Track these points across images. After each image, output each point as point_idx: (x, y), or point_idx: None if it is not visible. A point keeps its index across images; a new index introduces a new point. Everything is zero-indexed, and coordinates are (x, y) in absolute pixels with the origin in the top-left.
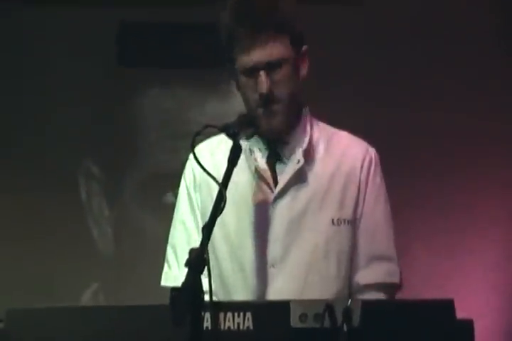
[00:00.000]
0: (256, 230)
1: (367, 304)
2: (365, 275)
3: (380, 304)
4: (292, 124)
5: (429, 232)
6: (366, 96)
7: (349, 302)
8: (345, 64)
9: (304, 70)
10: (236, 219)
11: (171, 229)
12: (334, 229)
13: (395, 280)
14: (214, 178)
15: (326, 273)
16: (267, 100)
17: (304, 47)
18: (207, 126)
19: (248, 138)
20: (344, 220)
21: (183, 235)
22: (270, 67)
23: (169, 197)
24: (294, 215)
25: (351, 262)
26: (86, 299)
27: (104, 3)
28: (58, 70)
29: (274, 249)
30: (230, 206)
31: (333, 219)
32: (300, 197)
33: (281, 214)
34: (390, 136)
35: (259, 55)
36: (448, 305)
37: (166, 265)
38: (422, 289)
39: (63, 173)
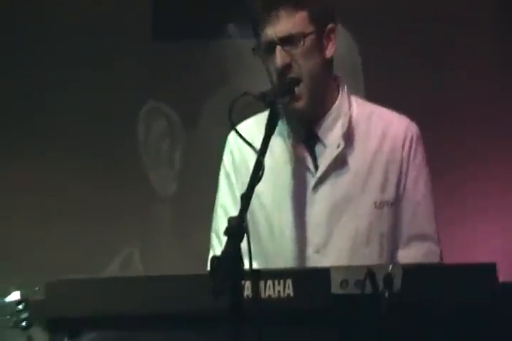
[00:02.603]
0: (295, 216)
1: (408, 269)
2: (404, 255)
3: (421, 269)
4: (327, 105)
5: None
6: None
7: (390, 268)
8: None
9: (330, 49)
10: (277, 206)
11: (213, 214)
12: (377, 213)
13: (435, 259)
14: (252, 146)
15: (368, 258)
16: (283, 74)
17: (330, 26)
18: (244, 94)
19: (285, 106)
20: (387, 202)
21: (225, 219)
22: (287, 42)
23: None
24: (336, 200)
25: (392, 244)
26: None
27: None
28: None
29: (316, 235)
30: (270, 192)
31: (375, 203)
32: (342, 181)
33: (323, 199)
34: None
35: (273, 29)
36: (490, 269)
37: (210, 251)
38: None
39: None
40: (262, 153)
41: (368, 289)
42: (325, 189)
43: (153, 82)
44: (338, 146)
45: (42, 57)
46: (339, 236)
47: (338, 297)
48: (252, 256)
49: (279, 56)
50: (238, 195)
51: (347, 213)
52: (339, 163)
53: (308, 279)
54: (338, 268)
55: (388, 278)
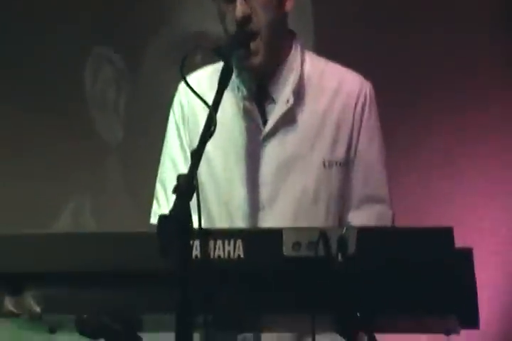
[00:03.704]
0: (244, 173)
1: (362, 232)
2: (356, 217)
3: (377, 231)
4: (280, 60)
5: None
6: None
7: (344, 230)
8: None
9: (289, 2)
10: (223, 160)
11: (160, 165)
12: (325, 172)
13: (387, 222)
14: (203, 100)
15: (315, 217)
16: (243, 26)
17: None
18: (197, 46)
19: (240, 60)
20: (336, 162)
21: (172, 171)
22: None
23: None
24: (283, 157)
25: (343, 205)
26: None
27: None
28: None
29: (262, 192)
30: (217, 147)
31: (324, 162)
32: (290, 138)
33: (270, 156)
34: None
35: None
36: (447, 233)
37: (155, 202)
38: None
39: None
40: (214, 108)
41: (321, 251)
42: (273, 145)
43: (96, 26)
44: (288, 102)
45: None
46: (285, 195)
47: (290, 259)
48: (201, 215)
49: (240, 7)
50: (186, 146)
51: (294, 171)
52: (288, 119)
53: (260, 240)
54: (291, 229)
55: (342, 241)
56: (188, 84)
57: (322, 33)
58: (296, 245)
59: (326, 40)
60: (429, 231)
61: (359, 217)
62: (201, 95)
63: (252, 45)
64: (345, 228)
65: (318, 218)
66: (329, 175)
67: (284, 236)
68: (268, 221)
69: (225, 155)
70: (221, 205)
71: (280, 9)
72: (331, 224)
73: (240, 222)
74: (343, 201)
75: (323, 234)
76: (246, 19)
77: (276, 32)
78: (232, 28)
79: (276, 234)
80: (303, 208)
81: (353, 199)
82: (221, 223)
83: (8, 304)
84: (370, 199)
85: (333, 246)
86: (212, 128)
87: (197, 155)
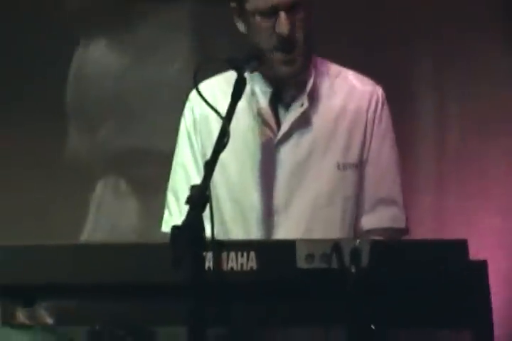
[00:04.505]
0: (259, 177)
1: (376, 244)
2: (369, 220)
3: (390, 244)
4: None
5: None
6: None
7: (357, 242)
8: None
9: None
10: (238, 165)
11: (171, 173)
12: (339, 174)
13: (400, 225)
14: (217, 111)
15: (330, 220)
16: (287, 43)
17: None
18: (211, 59)
19: (252, 71)
20: (350, 164)
21: (184, 180)
22: (290, 8)
23: None
24: (297, 160)
25: (357, 208)
26: None
27: None
28: None
29: (277, 196)
30: (231, 151)
31: (338, 164)
32: (304, 141)
33: (285, 159)
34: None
35: None
36: (461, 246)
37: (166, 211)
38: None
39: None
40: (227, 119)
41: (334, 263)
42: (286, 149)
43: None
44: (302, 105)
45: None
46: (300, 198)
47: (303, 271)
48: (214, 227)
49: (285, 22)
50: (198, 154)
51: (309, 174)
52: (302, 122)
53: (273, 252)
54: (304, 241)
55: (355, 253)
56: (201, 96)
57: None
58: (310, 257)
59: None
60: (443, 244)
61: (373, 220)
62: (215, 103)
63: (290, 56)
64: (358, 240)
65: (334, 221)
66: (343, 178)
67: (297, 248)
68: (283, 225)
69: (239, 159)
70: (236, 210)
71: (311, 19)
72: (347, 228)
73: (255, 227)
74: (358, 204)
75: (336, 246)
76: (291, 33)
77: (312, 43)
78: (270, 41)
79: (289, 245)
80: (318, 211)
81: (366, 202)
82: (236, 228)
83: (21, 315)
84: (383, 202)
85: (347, 258)
86: (225, 140)
87: (210, 166)
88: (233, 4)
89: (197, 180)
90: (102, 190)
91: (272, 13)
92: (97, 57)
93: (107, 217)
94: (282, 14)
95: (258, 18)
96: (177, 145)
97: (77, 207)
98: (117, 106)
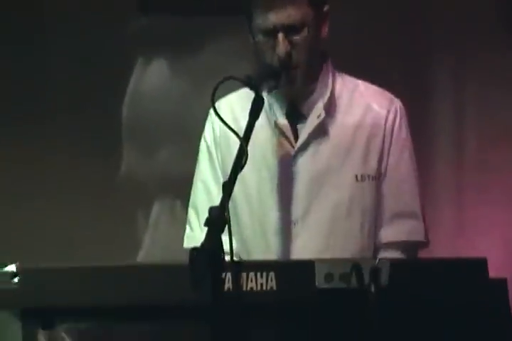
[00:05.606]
0: (277, 188)
1: (395, 263)
2: (387, 233)
3: (409, 263)
4: (313, 78)
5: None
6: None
7: (377, 262)
8: None
9: (325, 30)
10: (256, 177)
11: (192, 189)
12: (358, 186)
13: (419, 238)
14: (235, 132)
15: (349, 231)
16: (285, 64)
17: (326, 7)
18: (228, 78)
19: (270, 90)
20: (368, 176)
21: (205, 196)
22: (289, 29)
23: None
24: (315, 171)
25: (376, 220)
26: None
27: None
28: None
29: (295, 207)
30: (250, 164)
31: (356, 175)
32: (322, 152)
33: (303, 170)
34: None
35: (277, 16)
36: (480, 264)
37: (188, 227)
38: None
39: None
40: (245, 139)
41: (354, 283)
42: (304, 160)
43: None
44: (319, 116)
45: None
46: (319, 209)
47: (322, 291)
48: (233, 247)
49: (282, 44)
50: (218, 169)
51: (327, 185)
52: (319, 133)
53: (292, 272)
54: (323, 260)
55: (375, 272)
56: (218, 116)
57: None
58: (329, 276)
59: None
60: (463, 263)
61: (392, 233)
62: (234, 119)
63: (289, 76)
64: (378, 259)
65: (352, 232)
66: (362, 189)
67: (316, 268)
68: (302, 235)
69: (257, 171)
70: (254, 221)
71: (317, 37)
72: (366, 239)
73: (273, 237)
74: (377, 216)
75: (355, 266)
76: (288, 56)
77: (314, 61)
78: (271, 62)
79: (308, 265)
80: (337, 222)
81: (385, 214)
82: (255, 239)
83: (42, 338)
84: (401, 215)
85: (366, 277)
86: (243, 161)
87: (229, 186)
88: (246, 20)
89: (217, 195)
90: (157, 212)
91: (272, 33)
92: (157, 79)
93: (161, 239)
94: (280, 35)
95: (261, 38)
96: (198, 160)
97: (132, 228)
98: (176, 129)
